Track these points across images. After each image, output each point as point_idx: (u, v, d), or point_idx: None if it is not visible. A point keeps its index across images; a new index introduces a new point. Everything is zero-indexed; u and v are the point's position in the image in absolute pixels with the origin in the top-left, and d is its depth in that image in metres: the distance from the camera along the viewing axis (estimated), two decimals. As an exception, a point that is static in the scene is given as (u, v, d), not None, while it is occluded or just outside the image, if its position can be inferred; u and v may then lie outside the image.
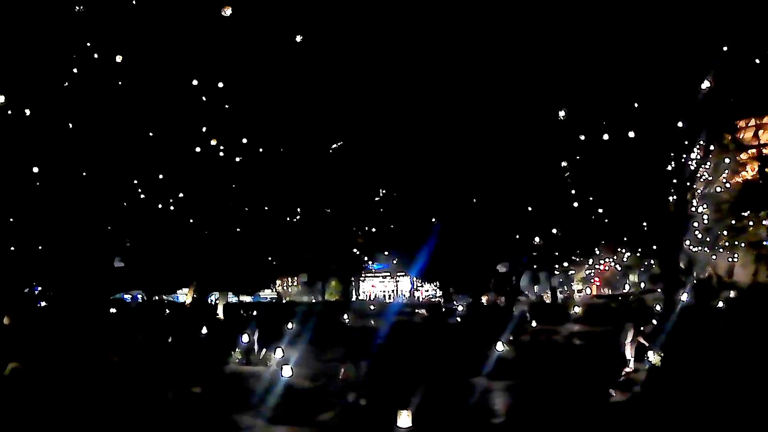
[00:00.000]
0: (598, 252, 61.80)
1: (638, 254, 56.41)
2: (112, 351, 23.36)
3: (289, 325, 30.24)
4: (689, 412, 15.02)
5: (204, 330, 29.44)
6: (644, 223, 38.82)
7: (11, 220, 35.70)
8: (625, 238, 48.99)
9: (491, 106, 32.11)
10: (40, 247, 39.87)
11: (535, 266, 55.11)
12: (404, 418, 14.71)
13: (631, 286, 69.86)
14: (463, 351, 25.63)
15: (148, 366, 21.98)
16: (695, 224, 44.86)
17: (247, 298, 55.05)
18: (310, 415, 16.65)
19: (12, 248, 40.20)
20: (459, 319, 40.41)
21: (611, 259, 68.34)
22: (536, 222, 41.64)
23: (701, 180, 42.06)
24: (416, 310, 47.62)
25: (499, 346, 24.92)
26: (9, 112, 27.06)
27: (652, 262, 54.73)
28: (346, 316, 36.87)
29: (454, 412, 17.04)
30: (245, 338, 25.24)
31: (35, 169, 29.52)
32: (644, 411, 16.49)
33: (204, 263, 39.08)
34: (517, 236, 43.55)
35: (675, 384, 18.52)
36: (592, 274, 76.35)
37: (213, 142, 28.48)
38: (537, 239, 44.89)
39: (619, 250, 61.78)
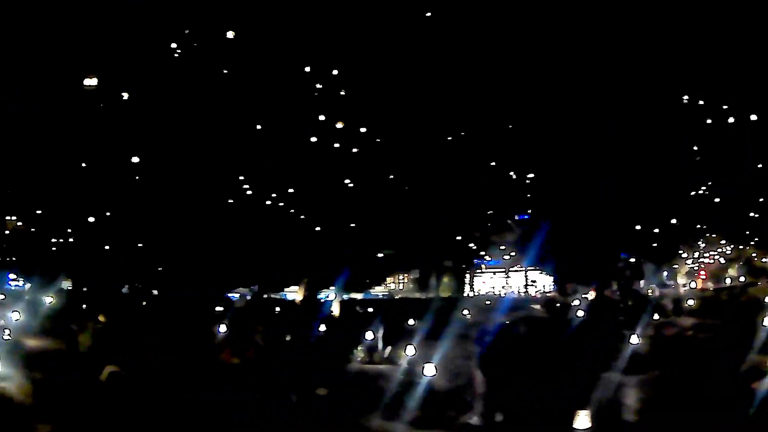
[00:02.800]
0: (702, 244, 61.44)
1: (740, 247, 55.27)
2: (232, 352, 22.82)
3: (411, 322, 29.18)
4: None
5: (322, 327, 28.47)
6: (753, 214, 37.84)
7: (108, 214, 35.82)
8: (732, 229, 47.83)
9: (628, 89, 31.16)
10: (140, 245, 40.14)
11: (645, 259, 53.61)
12: (582, 419, 13.57)
13: (732, 279, 68.25)
14: (591, 346, 24.11)
15: (270, 367, 21.19)
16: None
17: (357, 295, 54.38)
18: (454, 417, 15.85)
19: (107, 245, 40.60)
20: (583, 313, 38.83)
21: (715, 252, 67.41)
22: (658, 211, 40.60)
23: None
24: (532, 306, 46.29)
25: (633, 339, 23.25)
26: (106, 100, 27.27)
27: (754, 255, 53.70)
28: (466, 312, 35.54)
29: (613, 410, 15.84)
30: (369, 335, 24.48)
31: (135, 159, 29.50)
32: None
33: (315, 260, 38.46)
34: (639, 227, 42.49)
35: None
36: (696, 268, 74.64)
37: (339, 125, 27.78)
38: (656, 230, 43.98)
39: (722, 242, 61.68)
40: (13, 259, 47.39)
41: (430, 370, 17.74)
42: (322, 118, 28.80)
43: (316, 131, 29.66)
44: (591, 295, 48.28)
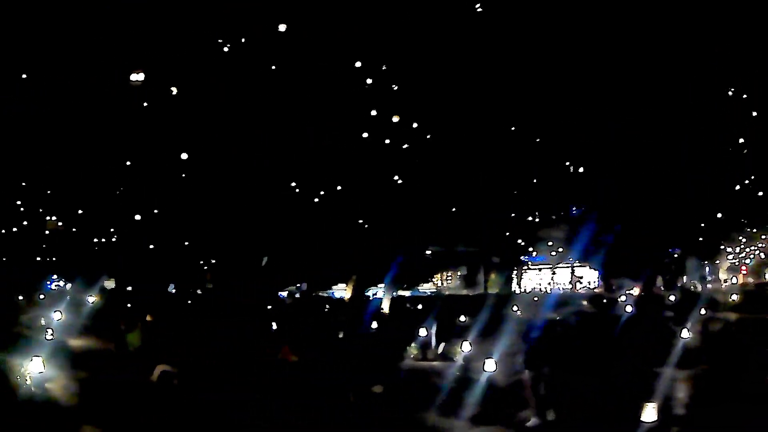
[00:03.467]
0: (743, 240, 60.90)
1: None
2: (291, 350, 22.32)
3: (462, 318, 29.20)
4: None
5: (374, 325, 28.67)
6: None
7: (155, 211, 35.84)
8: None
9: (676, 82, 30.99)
10: (186, 243, 40.59)
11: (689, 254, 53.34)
12: (650, 412, 13.58)
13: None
14: (641, 341, 24.08)
15: (326, 365, 21.02)
16: None
17: (404, 293, 54.45)
18: (513, 414, 15.51)
19: (153, 244, 40.91)
20: (631, 308, 38.74)
21: (756, 248, 68.18)
22: (704, 205, 40.39)
23: None
24: (579, 302, 46.17)
25: (684, 333, 23.13)
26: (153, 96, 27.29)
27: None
28: (515, 308, 35.55)
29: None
30: (422, 332, 24.30)
31: (184, 156, 29.51)
32: None
33: (364, 257, 38.59)
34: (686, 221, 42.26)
35: None
36: (737, 264, 74.06)
37: (396, 119, 27.73)
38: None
39: (763, 237, 61.57)
40: (53, 259, 48.13)
41: (490, 365, 17.30)
42: (374, 113, 28.63)
43: (367, 127, 29.55)
44: (636, 290, 48.27)
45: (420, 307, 36.74)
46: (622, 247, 43.52)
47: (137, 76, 25.67)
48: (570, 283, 69.32)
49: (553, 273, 68.63)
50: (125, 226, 38.55)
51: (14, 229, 41.86)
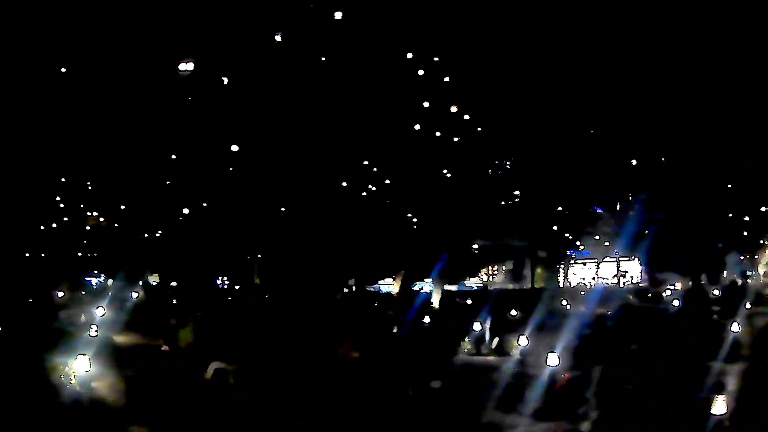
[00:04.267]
0: None
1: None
2: (353, 345, 21.71)
3: (513, 312, 29.35)
4: None
5: (426, 319, 28.86)
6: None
7: (204, 204, 35.71)
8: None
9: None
10: (233, 238, 40.28)
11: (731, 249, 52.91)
12: (720, 405, 13.44)
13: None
14: (690, 335, 24.17)
15: (382, 360, 20.57)
16: None
17: (451, 287, 54.46)
18: (575, 408, 15.21)
19: (198, 239, 41.11)
20: (677, 303, 38.75)
21: None
22: (750, 198, 40.17)
23: None
24: (626, 296, 46.10)
25: (734, 327, 23.14)
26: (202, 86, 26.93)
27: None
28: (564, 302, 35.72)
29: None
30: (476, 326, 24.33)
31: (234, 148, 29.10)
32: None
33: (412, 253, 38.65)
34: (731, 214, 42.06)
35: None
36: None
37: (454, 109, 27.44)
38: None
39: None
40: (94, 255, 47.43)
41: (553, 359, 17.22)
42: (426, 105, 28.40)
43: (419, 119, 29.31)
44: (679, 285, 48.17)
45: (469, 301, 36.83)
46: (667, 241, 43.35)
47: (186, 66, 25.11)
48: (614, 277, 69.11)
49: (598, 267, 68.35)
50: (171, 221, 38.54)
51: (54, 225, 41.51)
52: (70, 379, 15.55)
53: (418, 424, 15.04)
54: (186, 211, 34.59)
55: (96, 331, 24.02)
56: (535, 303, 32.14)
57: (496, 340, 24.26)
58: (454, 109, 27.19)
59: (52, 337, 21.75)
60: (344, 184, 33.78)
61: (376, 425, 14.62)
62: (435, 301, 39.26)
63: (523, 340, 21.51)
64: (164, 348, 22.59)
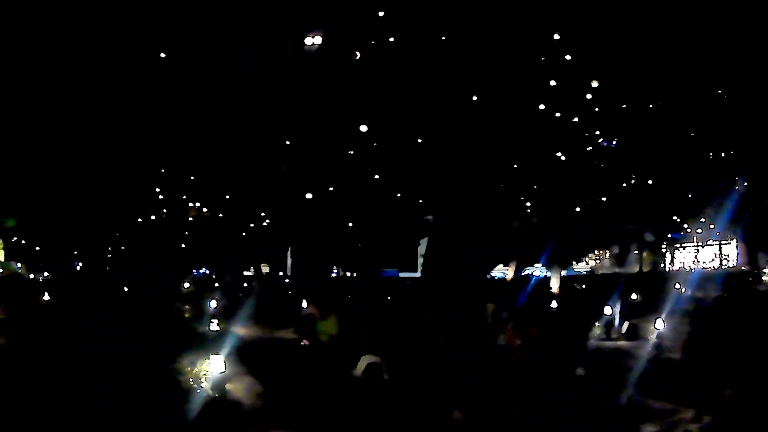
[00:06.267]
0: None
1: None
2: (515, 332, 20.48)
3: (633, 296, 29.33)
4: None
5: (554, 304, 28.95)
6: None
7: (331, 189, 33.71)
8: None
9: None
10: (350, 225, 39.83)
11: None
12: None
13: None
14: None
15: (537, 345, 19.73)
16: None
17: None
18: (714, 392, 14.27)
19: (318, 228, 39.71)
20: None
21: None
22: None
23: None
24: (733, 280, 45.57)
25: None
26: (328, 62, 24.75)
27: None
28: (678, 286, 35.62)
29: None
30: (607, 311, 24.19)
31: (363, 128, 26.47)
32: None
33: (524, 238, 38.53)
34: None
35: None
36: None
37: (595, 84, 26.30)
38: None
39: None
40: (198, 247, 46.49)
41: (692, 343, 17.64)
42: (553, 83, 27.30)
43: (542, 98, 28.25)
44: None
45: (584, 286, 36.85)
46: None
47: (313, 40, 23.24)
48: (712, 261, 68.53)
49: (697, 251, 67.93)
50: (288, 210, 37.35)
51: (152, 218, 40.99)
52: (201, 382, 14.58)
53: (572, 413, 13.99)
54: (309, 196, 32.36)
55: (218, 324, 23.82)
56: (652, 287, 32.29)
57: (626, 324, 24.08)
58: (595, 84, 26.08)
59: (185, 337, 21.74)
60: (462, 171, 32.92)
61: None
62: (554, 285, 39.38)
63: (660, 324, 21.46)
64: (304, 343, 20.17)
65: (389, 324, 23.45)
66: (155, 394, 14.38)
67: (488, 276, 42.91)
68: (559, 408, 13.60)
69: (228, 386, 14.75)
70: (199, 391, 14.27)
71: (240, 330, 24.74)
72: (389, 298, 34.79)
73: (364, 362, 13.83)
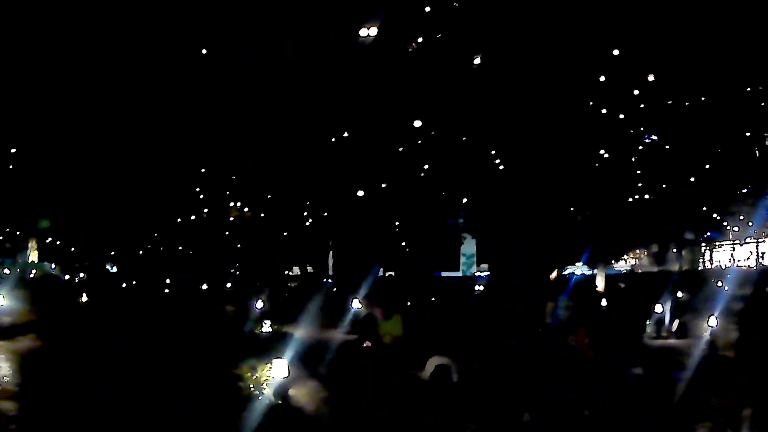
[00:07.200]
0: None
1: None
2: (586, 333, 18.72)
3: (679, 294, 29.24)
4: None
5: (603, 302, 28.92)
6: None
7: (384, 185, 32.85)
8: None
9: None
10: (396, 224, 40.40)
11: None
12: None
13: None
14: None
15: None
16: None
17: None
18: None
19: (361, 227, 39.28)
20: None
21: None
22: None
23: None
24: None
25: None
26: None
27: None
28: (720, 284, 35.42)
29: None
30: (658, 309, 24.45)
31: (417, 123, 26.66)
32: None
33: (565, 240, 38.38)
34: None
35: None
36: None
37: (651, 77, 25.86)
38: None
39: None
40: (239, 246, 46.26)
41: (746, 340, 17.07)
42: (602, 78, 26.66)
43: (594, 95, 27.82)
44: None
45: (623, 285, 36.57)
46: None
47: (368, 31, 22.62)
48: (747, 258, 68.19)
49: (733, 249, 67.58)
50: (333, 209, 37.24)
51: (192, 217, 40.92)
52: (263, 388, 14.25)
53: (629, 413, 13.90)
54: (361, 193, 31.92)
55: (270, 325, 23.96)
56: (696, 285, 32.16)
57: (676, 322, 24.26)
58: (651, 77, 25.53)
59: (238, 340, 21.75)
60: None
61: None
62: (600, 284, 39.20)
63: (713, 321, 21.26)
64: (366, 344, 19.16)
65: (459, 325, 23.60)
66: (215, 401, 14.20)
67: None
68: (624, 407, 13.56)
69: (292, 392, 14.53)
70: (260, 397, 13.99)
71: (292, 330, 24.48)
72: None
73: (432, 364, 13.19)
